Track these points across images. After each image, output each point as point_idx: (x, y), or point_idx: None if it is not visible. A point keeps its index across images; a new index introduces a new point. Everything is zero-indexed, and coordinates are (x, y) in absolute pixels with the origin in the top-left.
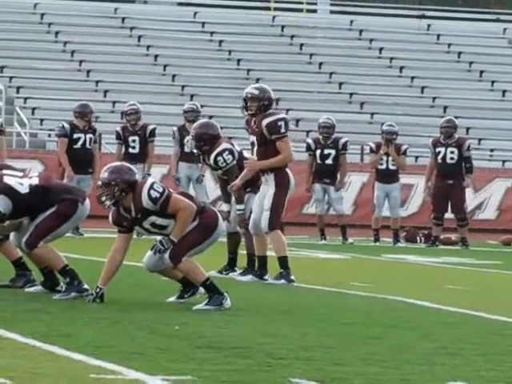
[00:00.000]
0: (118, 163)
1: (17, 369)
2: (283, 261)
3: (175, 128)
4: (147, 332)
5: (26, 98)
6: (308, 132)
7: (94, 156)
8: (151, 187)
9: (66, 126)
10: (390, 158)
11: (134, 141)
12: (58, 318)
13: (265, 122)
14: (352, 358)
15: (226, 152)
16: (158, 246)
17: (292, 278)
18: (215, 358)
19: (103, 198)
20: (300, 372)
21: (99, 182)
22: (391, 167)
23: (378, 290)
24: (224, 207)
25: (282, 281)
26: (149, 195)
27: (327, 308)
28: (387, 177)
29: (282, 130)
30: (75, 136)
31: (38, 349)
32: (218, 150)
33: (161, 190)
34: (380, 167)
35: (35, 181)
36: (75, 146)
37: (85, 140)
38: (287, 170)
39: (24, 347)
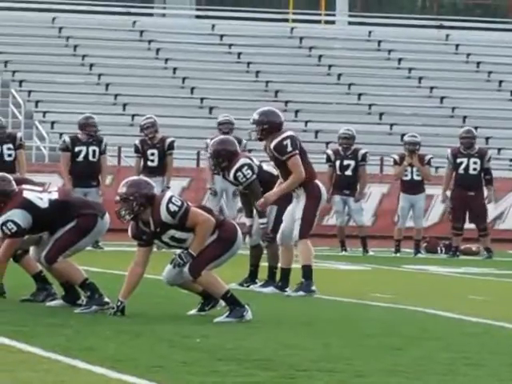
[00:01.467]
0: (135, 177)
1: (38, 382)
2: (307, 270)
3: (208, 140)
4: (168, 345)
5: (44, 112)
6: (327, 143)
7: (99, 168)
8: (169, 201)
9: (67, 139)
10: (415, 169)
11: (152, 154)
12: (80, 332)
13: (272, 144)
14: (374, 370)
15: (245, 167)
16: (178, 260)
17: (313, 288)
18: (237, 370)
19: (122, 213)
20: (322, 383)
21: (117, 197)
22: (416, 178)
23: (400, 300)
24: (246, 221)
25: (300, 292)
26: (167, 209)
27: (348, 319)
28: (412, 188)
29: (289, 149)
30: (77, 149)
31: (60, 362)
32: (237, 165)
33: (179, 203)
34: (405, 178)
35: (55, 195)
36: (78, 159)
37: (87, 153)
38: (317, 181)
39: (45, 361)
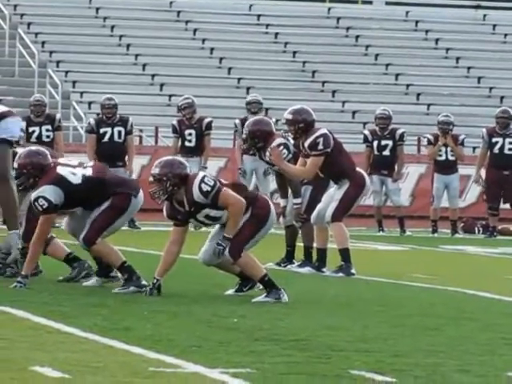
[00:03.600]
0: (169, 157)
1: (76, 363)
2: (344, 253)
3: (237, 120)
4: (206, 325)
5: (82, 93)
6: (365, 124)
7: (125, 148)
8: (202, 181)
9: (92, 121)
10: (449, 149)
11: (190, 134)
12: (117, 312)
13: (306, 143)
14: (411, 350)
15: (281, 147)
16: (218, 249)
17: (352, 271)
18: (274, 350)
19: (156, 194)
20: (359, 364)
21: (151, 178)
22: (450, 158)
23: (437, 281)
24: (281, 202)
25: (340, 274)
26: (200, 189)
27: (386, 300)
28: (447, 168)
29: (320, 147)
30: (101, 130)
31: (97, 342)
32: (273, 145)
33: (212, 183)
34: (439, 158)
35: (89, 172)
36: (103, 140)
37: (112, 134)
38: (360, 170)
39: (83, 341)
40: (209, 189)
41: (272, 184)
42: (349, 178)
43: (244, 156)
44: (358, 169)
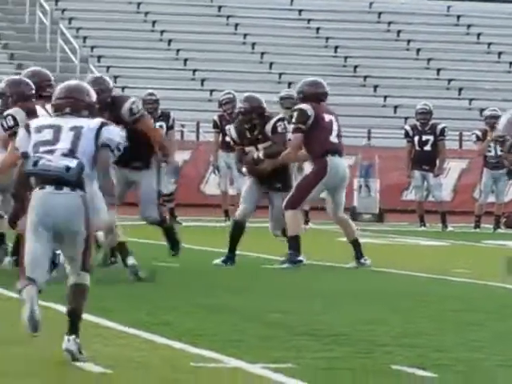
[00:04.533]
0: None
1: (118, 357)
2: (292, 241)
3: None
4: (247, 320)
5: (123, 88)
6: (406, 119)
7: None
8: None
9: None
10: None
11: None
12: (158, 307)
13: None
14: (454, 345)
15: (280, 122)
16: None
17: (299, 258)
18: (315, 345)
19: None
20: (401, 359)
21: None
22: (500, 153)
23: (479, 276)
24: None
25: (286, 265)
26: None
27: (428, 295)
28: (496, 163)
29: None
30: None
31: (139, 337)
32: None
33: None
34: (488, 154)
35: None
36: None
37: None
38: (328, 159)
39: (125, 336)
40: None
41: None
42: (313, 163)
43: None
44: (328, 157)
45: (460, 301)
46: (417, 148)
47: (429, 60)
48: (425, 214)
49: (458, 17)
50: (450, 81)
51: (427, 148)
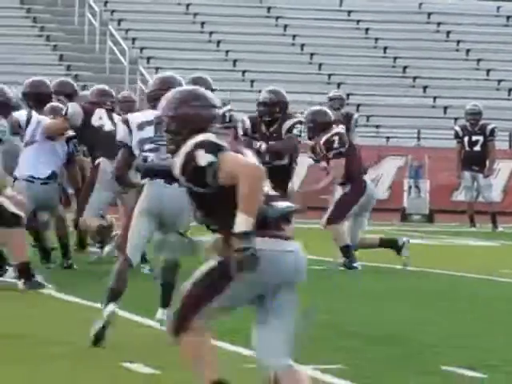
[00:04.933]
0: None
1: (165, 359)
2: (345, 250)
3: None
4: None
5: None
6: (456, 119)
7: None
8: None
9: None
10: None
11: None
12: None
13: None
14: (504, 346)
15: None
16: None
17: (354, 265)
18: (364, 346)
19: None
20: (451, 359)
21: None
22: None
23: None
24: None
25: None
26: None
27: (477, 296)
28: None
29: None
30: None
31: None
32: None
33: None
34: None
35: None
36: None
37: None
38: (364, 178)
39: None
40: None
41: None
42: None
43: None
44: (363, 176)
45: (509, 301)
46: (467, 148)
47: (478, 61)
48: (475, 215)
49: (508, 17)
50: (499, 81)
51: (477, 148)
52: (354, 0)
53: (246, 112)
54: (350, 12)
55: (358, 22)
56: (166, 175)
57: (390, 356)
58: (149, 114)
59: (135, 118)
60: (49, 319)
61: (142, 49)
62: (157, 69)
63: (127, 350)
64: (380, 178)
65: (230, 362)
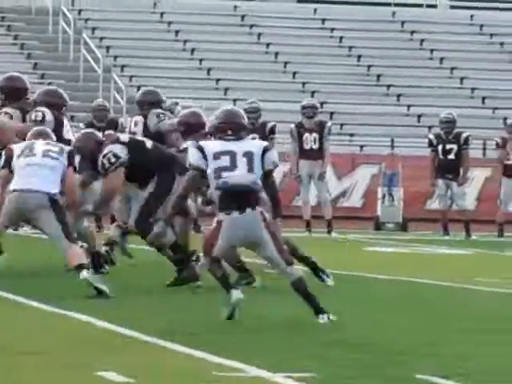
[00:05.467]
0: None
1: (140, 367)
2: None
3: (293, 125)
4: (269, 329)
5: None
6: (430, 127)
7: None
8: None
9: None
10: None
11: (254, 138)
12: (180, 317)
13: None
14: (477, 354)
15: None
16: None
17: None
18: (339, 354)
19: None
20: (424, 368)
21: None
22: None
23: (503, 285)
24: None
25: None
26: None
27: (451, 304)
28: None
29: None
30: None
31: (160, 346)
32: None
33: None
34: (507, 162)
35: None
36: None
37: None
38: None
39: (146, 345)
40: None
41: (336, 189)
42: None
43: (300, 161)
44: None
45: (485, 310)
46: (440, 157)
47: (452, 69)
48: (448, 223)
49: (481, 26)
50: (473, 89)
51: (451, 157)
52: (328, 8)
53: None
54: (324, 20)
55: (332, 30)
56: None
57: (365, 364)
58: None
59: (208, 146)
60: (10, 325)
61: (115, 57)
62: (131, 77)
63: (101, 358)
64: (354, 186)
65: (214, 372)
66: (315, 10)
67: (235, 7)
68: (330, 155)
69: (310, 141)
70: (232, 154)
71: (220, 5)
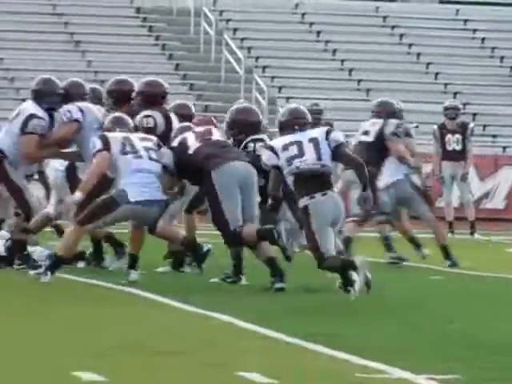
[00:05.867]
0: None
1: (283, 368)
2: None
3: (435, 127)
4: (413, 331)
5: (288, 98)
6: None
7: None
8: None
9: None
10: None
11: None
12: (322, 317)
13: None
14: None
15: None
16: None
17: None
18: (484, 356)
19: None
20: None
21: None
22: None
23: None
24: None
25: None
26: None
27: None
28: None
29: None
30: None
31: (302, 348)
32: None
33: None
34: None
35: None
36: None
37: None
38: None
39: (288, 347)
40: None
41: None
42: None
43: (443, 162)
44: None
45: None
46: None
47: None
48: None
49: (465, 21)
50: (446, 85)
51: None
52: (471, 9)
53: (359, 121)
54: (466, 21)
55: (475, 31)
56: None
57: (506, 366)
58: (285, 138)
59: (276, 142)
60: (150, 326)
61: (257, 58)
62: (272, 78)
63: (242, 359)
64: (497, 188)
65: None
66: (457, 10)
67: (377, 8)
68: (473, 156)
69: (453, 142)
70: (298, 143)
71: (361, 6)
